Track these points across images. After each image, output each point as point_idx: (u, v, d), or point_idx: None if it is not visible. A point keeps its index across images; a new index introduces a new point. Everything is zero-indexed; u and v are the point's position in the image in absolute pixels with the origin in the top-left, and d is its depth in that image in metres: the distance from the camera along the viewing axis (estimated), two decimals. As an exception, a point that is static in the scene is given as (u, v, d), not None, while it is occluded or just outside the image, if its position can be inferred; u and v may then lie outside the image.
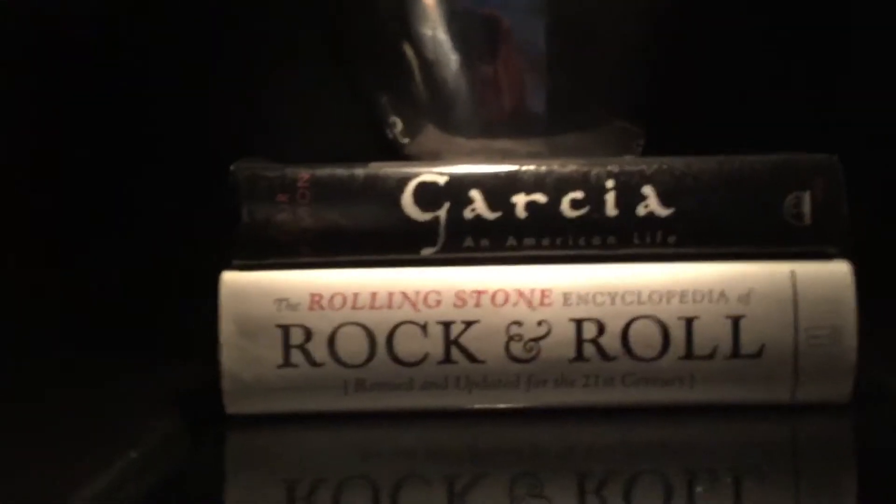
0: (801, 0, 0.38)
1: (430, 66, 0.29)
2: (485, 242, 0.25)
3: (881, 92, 0.38)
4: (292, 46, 0.38)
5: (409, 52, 0.29)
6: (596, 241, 0.25)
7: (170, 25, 0.38)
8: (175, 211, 0.38)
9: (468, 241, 0.25)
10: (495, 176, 0.26)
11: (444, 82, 0.29)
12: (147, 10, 0.38)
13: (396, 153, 0.30)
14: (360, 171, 0.26)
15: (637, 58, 0.30)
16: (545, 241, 0.25)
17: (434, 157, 0.29)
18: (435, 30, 0.28)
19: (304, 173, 0.25)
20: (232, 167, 0.26)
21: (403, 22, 0.28)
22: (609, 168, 0.25)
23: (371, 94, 0.30)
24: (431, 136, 0.29)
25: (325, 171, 0.26)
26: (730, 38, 0.38)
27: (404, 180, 0.25)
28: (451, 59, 0.28)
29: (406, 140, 0.30)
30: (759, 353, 0.25)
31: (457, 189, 0.25)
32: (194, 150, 0.37)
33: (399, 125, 0.30)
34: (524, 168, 0.26)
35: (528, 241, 0.25)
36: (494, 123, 0.29)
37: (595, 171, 0.25)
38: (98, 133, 0.39)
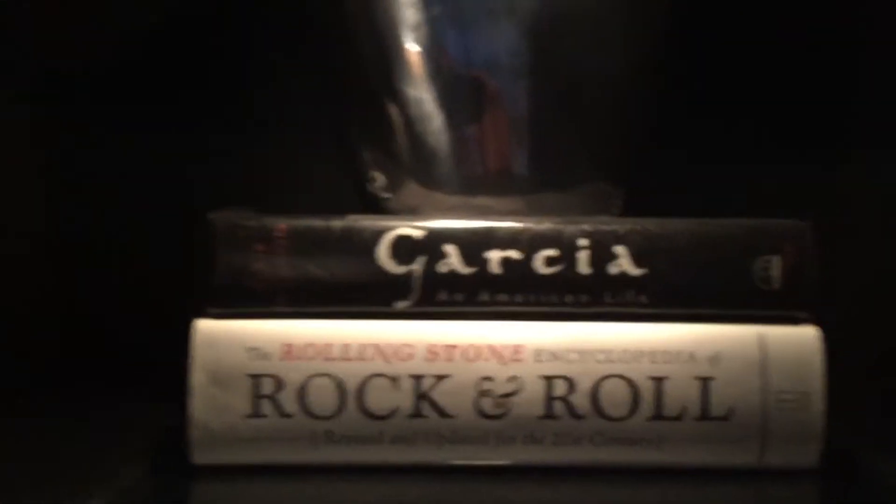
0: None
1: (412, 124, 0.29)
2: (458, 297, 0.26)
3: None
4: (280, 98, 0.39)
5: (392, 108, 0.29)
6: (568, 298, 0.26)
7: (160, 77, 0.39)
8: (158, 258, 0.38)
9: (442, 296, 0.26)
10: (470, 231, 0.26)
11: (425, 140, 0.29)
12: (137, 69, 0.39)
13: (377, 207, 0.30)
14: (336, 223, 0.26)
15: (618, 121, 0.31)
16: (518, 298, 0.26)
17: (414, 213, 0.29)
18: (419, 88, 0.29)
19: (281, 224, 0.26)
20: (210, 216, 0.26)
21: (388, 79, 0.29)
22: (583, 227, 0.26)
23: (354, 148, 0.31)
24: (412, 191, 0.30)
25: (302, 222, 0.26)
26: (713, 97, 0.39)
27: (380, 233, 0.26)
28: (433, 118, 0.29)
29: (387, 195, 0.30)
30: (727, 416, 0.25)
31: (432, 243, 0.26)
32: (179, 200, 0.38)
33: (380, 180, 0.30)
34: (499, 225, 0.26)
35: (502, 296, 0.26)
36: (475, 181, 0.29)
37: (569, 229, 0.26)
38: (89, 179, 0.39)
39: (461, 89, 0.29)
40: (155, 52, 0.39)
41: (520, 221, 0.26)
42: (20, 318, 0.36)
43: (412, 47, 0.29)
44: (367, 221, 0.26)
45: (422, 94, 0.29)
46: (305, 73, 0.34)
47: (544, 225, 0.26)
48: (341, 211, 0.27)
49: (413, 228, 0.26)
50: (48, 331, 0.38)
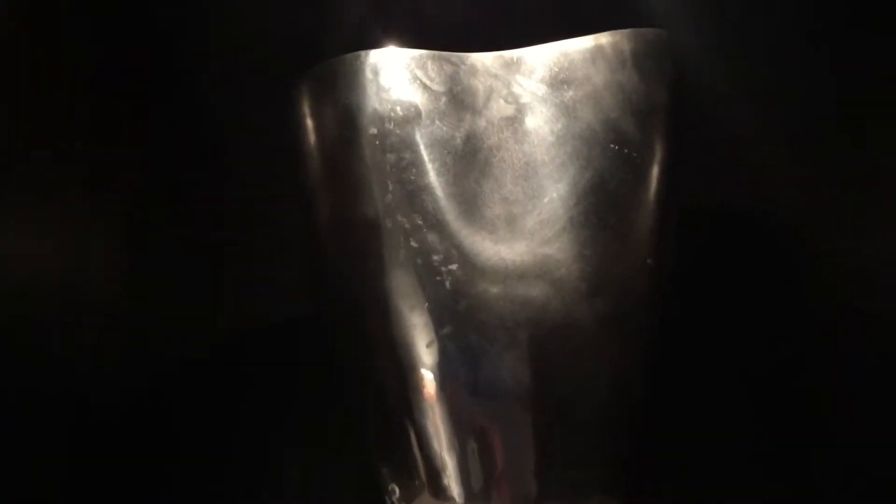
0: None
1: (426, 443, 0.33)
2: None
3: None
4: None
5: (408, 427, 0.33)
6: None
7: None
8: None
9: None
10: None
11: (435, 458, 0.33)
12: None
13: (393, 515, 0.33)
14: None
15: (611, 434, 0.34)
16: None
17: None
18: (433, 414, 0.33)
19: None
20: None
21: (404, 397, 0.33)
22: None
23: (374, 463, 0.35)
24: (423, 501, 0.33)
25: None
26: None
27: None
28: (443, 441, 0.33)
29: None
30: None
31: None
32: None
33: (397, 492, 0.34)
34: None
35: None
36: (481, 495, 0.32)
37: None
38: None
39: (468, 411, 0.33)
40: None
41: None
42: None
43: (426, 373, 0.33)
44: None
45: (436, 419, 0.33)
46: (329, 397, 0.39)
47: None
48: None
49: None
50: None
